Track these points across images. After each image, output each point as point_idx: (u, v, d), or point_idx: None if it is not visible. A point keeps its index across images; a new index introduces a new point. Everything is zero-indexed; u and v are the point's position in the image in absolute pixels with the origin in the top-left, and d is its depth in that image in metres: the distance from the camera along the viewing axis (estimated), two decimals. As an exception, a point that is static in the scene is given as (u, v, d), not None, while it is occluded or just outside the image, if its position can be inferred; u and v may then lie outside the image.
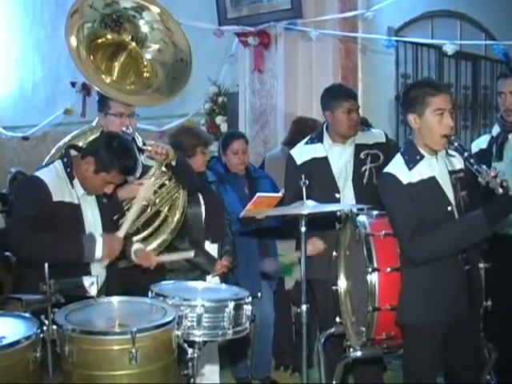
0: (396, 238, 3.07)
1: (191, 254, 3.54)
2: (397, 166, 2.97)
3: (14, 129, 8.63)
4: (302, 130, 4.75)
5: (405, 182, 2.90)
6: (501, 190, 2.65)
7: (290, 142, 4.83)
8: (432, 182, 2.92)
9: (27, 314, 2.55)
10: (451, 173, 2.98)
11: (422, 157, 2.94)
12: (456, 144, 2.85)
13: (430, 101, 2.87)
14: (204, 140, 4.09)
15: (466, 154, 2.82)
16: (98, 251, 3.04)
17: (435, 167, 2.95)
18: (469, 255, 2.93)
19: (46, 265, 2.50)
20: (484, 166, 2.73)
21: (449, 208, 2.90)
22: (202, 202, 4.03)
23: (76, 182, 3.14)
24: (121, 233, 3.21)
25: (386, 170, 3.00)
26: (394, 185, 2.92)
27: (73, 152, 3.25)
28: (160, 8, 3.82)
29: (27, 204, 3.04)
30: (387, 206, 3.00)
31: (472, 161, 2.77)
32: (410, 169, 2.92)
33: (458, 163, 3.02)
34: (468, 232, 2.83)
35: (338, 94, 3.87)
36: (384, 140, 3.98)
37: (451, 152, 3.04)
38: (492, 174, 2.68)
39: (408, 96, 2.99)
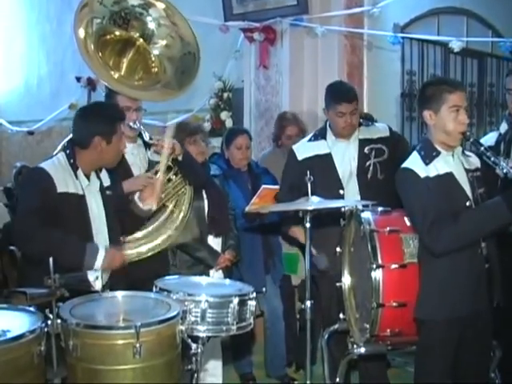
0: (408, 233, 3.11)
1: None
2: (413, 162, 2.99)
3: (19, 123, 8.64)
4: (285, 124, 4.84)
5: (422, 175, 2.92)
6: None
7: (276, 139, 4.88)
8: (449, 177, 2.94)
9: (32, 308, 2.55)
10: (467, 171, 2.99)
11: (439, 153, 2.96)
12: (472, 139, 2.88)
13: (446, 98, 2.90)
14: (188, 131, 4.06)
15: (482, 148, 2.85)
16: (98, 263, 3.03)
17: (451, 164, 2.97)
18: (489, 253, 2.93)
19: (51, 259, 2.50)
20: (501, 158, 2.80)
21: (467, 203, 2.92)
22: (204, 195, 4.03)
23: (80, 172, 3.15)
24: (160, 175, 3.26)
25: (403, 165, 3.02)
26: (412, 178, 2.94)
27: None
28: (165, 3, 3.82)
29: (32, 196, 3.05)
30: (405, 200, 3.01)
31: (489, 154, 2.83)
32: (426, 164, 2.95)
33: (475, 163, 3.04)
34: (488, 219, 2.84)
35: (333, 96, 3.86)
36: (388, 134, 3.98)
37: (467, 152, 3.08)
38: (510, 164, 2.71)
39: (424, 93, 3.02)
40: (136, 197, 3.41)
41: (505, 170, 2.76)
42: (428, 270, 2.99)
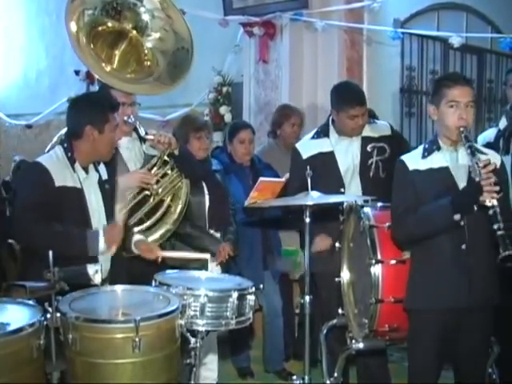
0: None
1: (205, 256, 3.36)
2: (411, 154, 3.08)
3: (18, 117, 8.61)
4: (289, 113, 4.87)
5: (411, 168, 2.99)
6: (476, 178, 2.72)
7: (275, 128, 4.92)
8: (442, 172, 2.95)
9: (31, 302, 2.55)
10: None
11: (439, 148, 2.99)
12: (463, 135, 2.87)
13: (445, 92, 2.94)
14: (195, 126, 4.06)
15: (468, 143, 2.84)
16: (101, 245, 3.01)
17: (451, 159, 2.96)
18: (475, 248, 2.91)
19: (51, 252, 2.50)
20: (481, 156, 2.80)
21: None
22: (205, 191, 4.03)
23: (77, 166, 3.14)
24: (118, 218, 3.12)
25: (401, 157, 3.09)
26: (400, 169, 3.03)
27: None
28: None
29: (30, 190, 3.04)
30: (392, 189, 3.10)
31: (471, 150, 2.81)
32: (423, 157, 3.00)
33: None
34: (435, 217, 2.88)
35: (344, 99, 3.79)
36: (390, 133, 3.97)
37: (484, 149, 3.07)
38: (481, 163, 2.72)
39: (432, 88, 3.11)
40: (133, 242, 3.32)
41: (471, 169, 2.78)
42: (414, 261, 3.05)
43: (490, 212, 2.67)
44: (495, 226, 2.64)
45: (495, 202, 2.67)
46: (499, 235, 2.63)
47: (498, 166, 2.98)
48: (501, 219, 2.63)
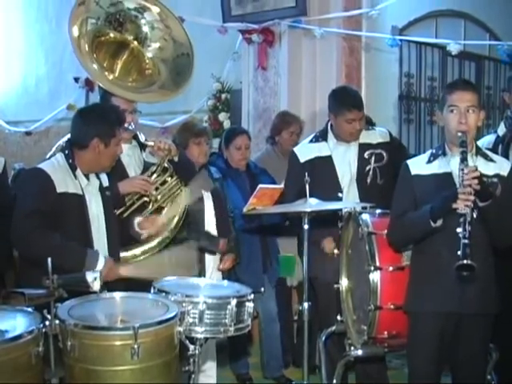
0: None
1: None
2: (418, 158, 3.12)
3: (17, 123, 8.61)
4: (290, 120, 4.88)
5: (413, 172, 3.01)
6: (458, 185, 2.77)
7: (273, 135, 4.91)
8: (445, 177, 2.96)
9: (30, 309, 2.54)
10: None
11: (445, 153, 3.01)
12: (460, 140, 2.88)
13: (446, 98, 2.98)
14: (194, 131, 4.08)
15: (462, 148, 2.85)
16: (98, 267, 2.99)
17: (455, 165, 2.92)
18: (472, 253, 2.91)
19: (50, 260, 2.50)
20: (471, 165, 2.81)
21: None
22: (205, 199, 4.03)
23: (79, 172, 3.15)
24: (124, 271, 3.09)
25: (407, 160, 3.12)
26: (402, 174, 3.07)
27: None
28: (160, 7, 3.85)
29: (31, 197, 3.03)
30: None
31: (462, 155, 2.82)
32: (428, 162, 3.02)
33: (495, 169, 2.99)
34: (416, 223, 2.93)
35: (342, 103, 3.81)
36: (388, 139, 3.98)
37: (496, 157, 3.09)
38: (467, 169, 2.74)
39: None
40: (136, 223, 3.40)
41: (460, 173, 2.78)
42: (412, 263, 3.09)
43: (461, 219, 2.70)
44: (460, 235, 2.68)
45: (467, 211, 2.70)
46: (462, 243, 2.67)
47: (507, 174, 2.98)
48: (468, 229, 2.67)
